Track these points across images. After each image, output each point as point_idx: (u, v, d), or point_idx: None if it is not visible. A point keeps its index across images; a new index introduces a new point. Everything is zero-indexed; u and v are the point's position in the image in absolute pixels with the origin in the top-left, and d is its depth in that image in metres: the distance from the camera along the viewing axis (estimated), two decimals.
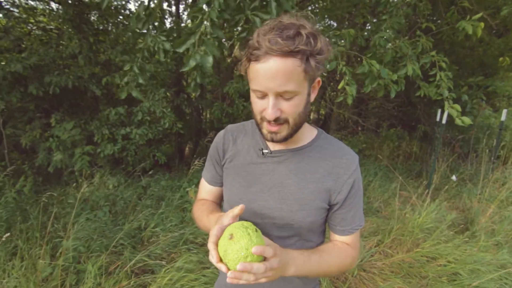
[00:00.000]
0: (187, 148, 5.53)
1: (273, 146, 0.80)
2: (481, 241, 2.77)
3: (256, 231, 0.61)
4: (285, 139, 0.72)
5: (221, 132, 0.89)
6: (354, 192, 0.77)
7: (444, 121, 4.18)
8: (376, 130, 7.23)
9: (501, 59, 4.04)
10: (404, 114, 7.10)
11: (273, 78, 0.61)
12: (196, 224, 0.90)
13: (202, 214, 0.85)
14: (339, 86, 2.48)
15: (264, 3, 1.66)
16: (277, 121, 0.68)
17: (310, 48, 0.61)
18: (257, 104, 0.69)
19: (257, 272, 0.57)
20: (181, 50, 1.57)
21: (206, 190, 0.93)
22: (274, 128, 0.69)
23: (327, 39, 0.67)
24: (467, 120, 2.49)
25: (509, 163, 4.90)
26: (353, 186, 0.77)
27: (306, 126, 0.82)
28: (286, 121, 0.69)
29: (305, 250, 0.73)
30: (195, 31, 1.54)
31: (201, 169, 4.01)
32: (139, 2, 1.84)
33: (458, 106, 2.57)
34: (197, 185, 3.49)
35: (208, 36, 1.52)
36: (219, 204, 0.95)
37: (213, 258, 0.61)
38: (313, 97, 0.73)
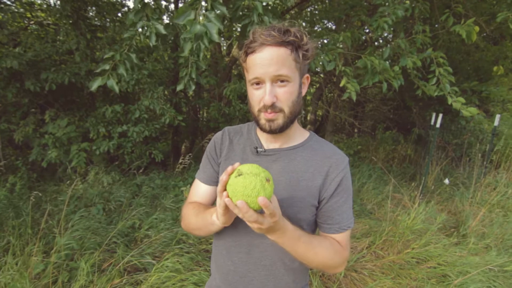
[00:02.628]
0: (183, 147, 5.53)
1: (267, 145, 0.85)
2: (471, 244, 2.81)
3: (268, 180, 0.62)
4: (281, 129, 0.77)
5: (219, 133, 0.94)
6: (341, 190, 0.80)
7: (438, 125, 4.23)
8: (371, 133, 7.28)
9: (495, 68, 4.05)
10: (399, 117, 7.16)
11: (269, 64, 0.71)
12: (185, 222, 0.90)
13: (195, 212, 0.85)
14: (341, 84, 2.50)
15: None
16: (273, 108, 0.74)
17: (298, 41, 0.72)
18: (254, 95, 0.76)
19: (248, 218, 0.61)
20: (180, 21, 1.44)
21: (201, 191, 0.93)
22: (270, 115, 0.75)
23: (314, 41, 0.78)
24: (474, 110, 2.44)
25: (501, 167, 4.97)
26: (340, 184, 0.79)
27: (299, 128, 0.87)
28: (281, 110, 0.75)
29: (300, 230, 0.74)
30: (195, 5, 1.42)
31: (195, 168, 4.00)
32: None
33: (462, 99, 2.53)
34: (192, 184, 3.50)
35: (210, 11, 1.42)
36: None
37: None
38: (304, 91, 0.81)
